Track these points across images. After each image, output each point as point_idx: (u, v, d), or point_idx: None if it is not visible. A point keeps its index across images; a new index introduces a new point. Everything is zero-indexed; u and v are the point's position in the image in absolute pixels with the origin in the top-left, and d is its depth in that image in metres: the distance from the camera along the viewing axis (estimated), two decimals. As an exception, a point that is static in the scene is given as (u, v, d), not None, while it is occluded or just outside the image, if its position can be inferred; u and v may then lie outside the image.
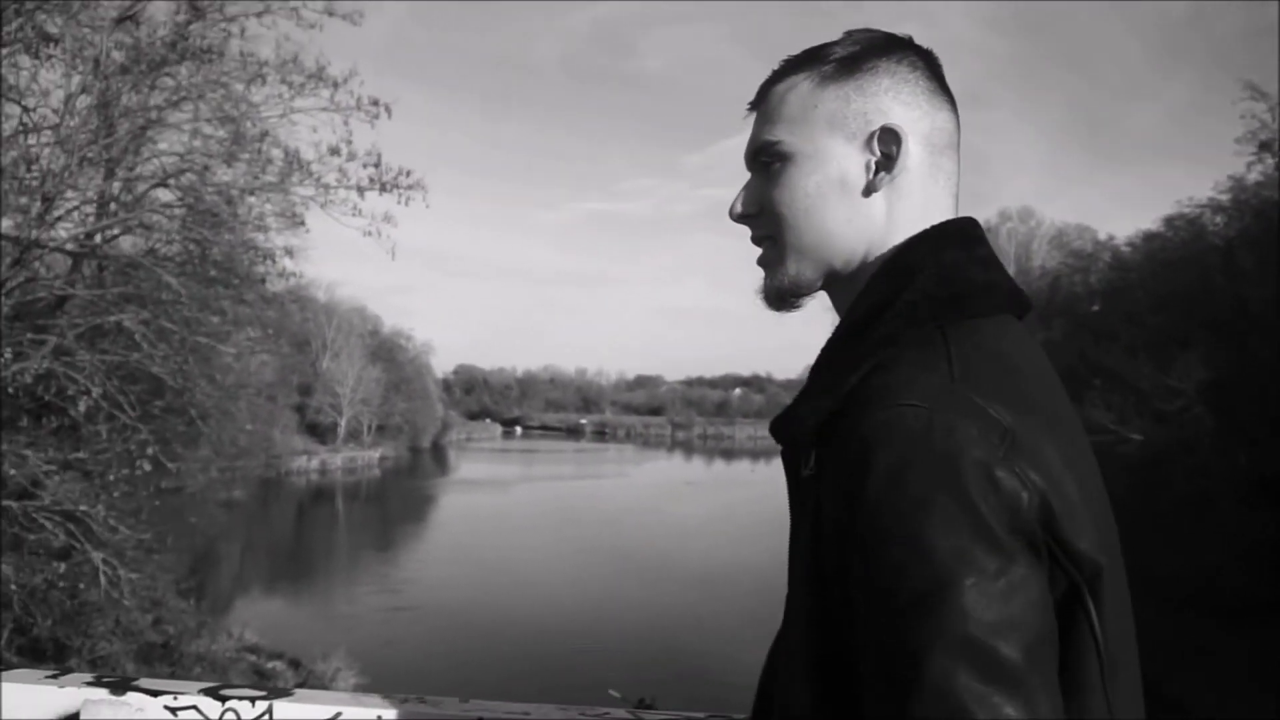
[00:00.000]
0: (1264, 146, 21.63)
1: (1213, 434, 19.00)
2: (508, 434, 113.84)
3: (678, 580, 27.69)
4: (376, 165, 8.84)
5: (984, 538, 0.78)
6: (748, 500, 49.91)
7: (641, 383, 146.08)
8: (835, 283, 1.04)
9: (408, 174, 9.00)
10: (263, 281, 10.18)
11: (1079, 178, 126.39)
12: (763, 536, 36.71)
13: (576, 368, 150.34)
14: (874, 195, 1.00)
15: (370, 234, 8.89)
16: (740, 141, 1.09)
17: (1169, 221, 27.73)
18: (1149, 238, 28.57)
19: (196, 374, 9.51)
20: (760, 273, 1.07)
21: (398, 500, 49.22)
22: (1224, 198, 24.06)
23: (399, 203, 8.86)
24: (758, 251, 1.07)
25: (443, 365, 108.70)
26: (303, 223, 9.32)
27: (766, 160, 1.03)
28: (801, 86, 1.02)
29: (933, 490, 0.79)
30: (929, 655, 0.75)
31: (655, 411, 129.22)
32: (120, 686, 1.57)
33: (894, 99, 1.00)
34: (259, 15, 9.50)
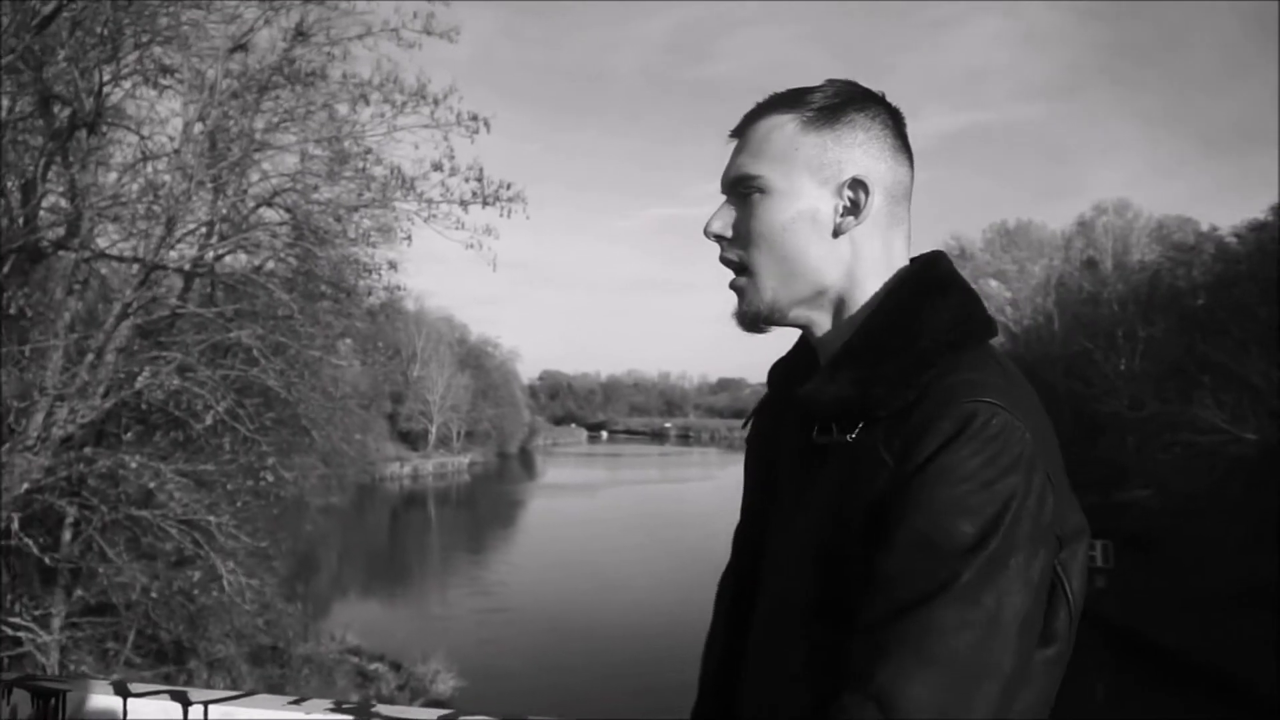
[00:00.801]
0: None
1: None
2: (593, 438, 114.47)
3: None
4: (479, 179, 9.03)
5: (1037, 527, 0.92)
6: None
7: (724, 386, 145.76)
8: (808, 309, 1.15)
9: (508, 186, 9.17)
10: (368, 295, 10.47)
11: (1178, 168, 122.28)
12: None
13: (659, 371, 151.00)
14: (841, 236, 1.11)
15: (473, 246, 9.09)
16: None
17: (1278, 210, 26.68)
18: (1256, 227, 27.48)
19: (308, 386, 9.83)
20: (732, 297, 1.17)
21: (487, 505, 49.92)
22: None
23: (501, 215, 9.04)
24: None
25: (528, 372, 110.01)
26: (408, 238, 9.55)
27: (745, 191, 1.12)
28: (787, 128, 1.12)
29: (1012, 473, 0.93)
30: (964, 628, 0.88)
31: (738, 414, 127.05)
32: (362, 712, 1.65)
33: (864, 152, 1.12)
34: (360, 37, 9.78)
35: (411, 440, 62.00)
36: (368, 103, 9.58)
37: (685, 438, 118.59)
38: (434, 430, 62.50)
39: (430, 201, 9.20)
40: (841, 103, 1.13)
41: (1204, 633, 17.65)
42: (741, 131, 1.16)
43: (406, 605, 26.25)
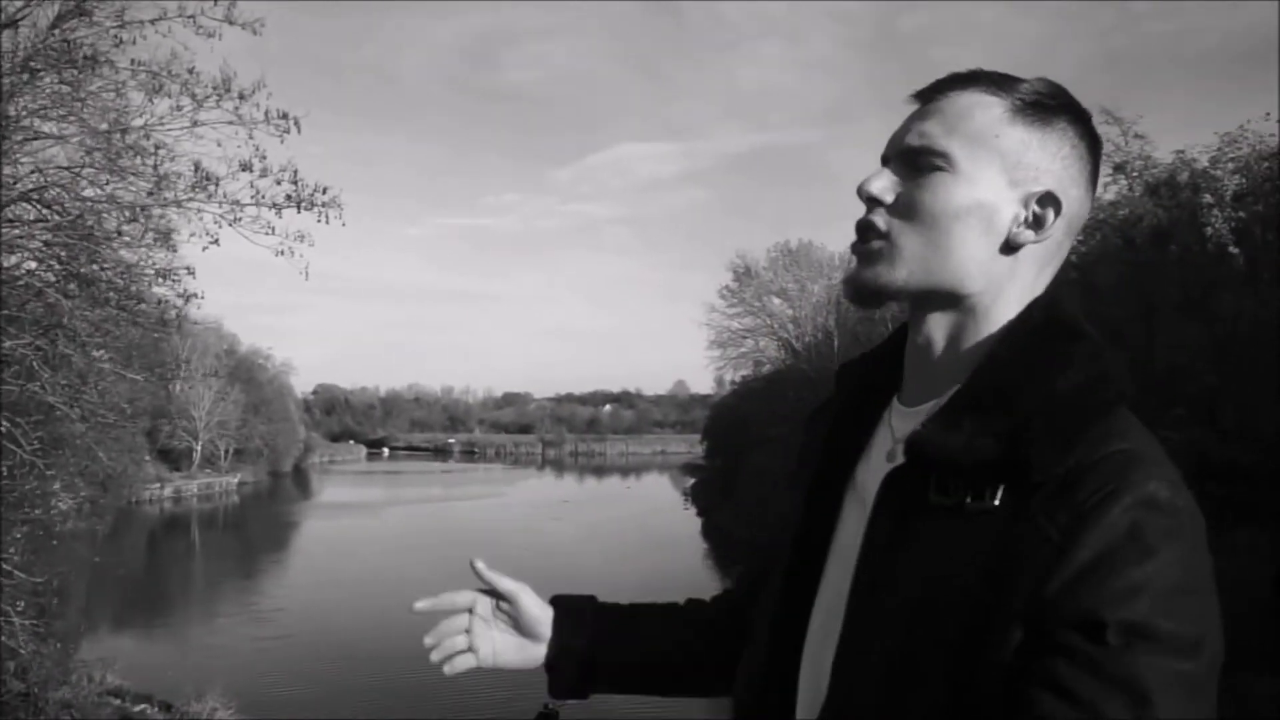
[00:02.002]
0: (1118, 168, 22.96)
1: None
2: (374, 455, 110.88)
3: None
4: (294, 182, 8.41)
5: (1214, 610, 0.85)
6: (624, 516, 50.24)
7: (510, 400, 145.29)
8: (937, 307, 1.02)
9: (324, 190, 8.59)
10: (159, 303, 9.54)
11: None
12: (643, 551, 37.15)
13: (442, 386, 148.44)
14: (1009, 250, 1.00)
15: (283, 253, 8.45)
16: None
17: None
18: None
19: (96, 403, 8.82)
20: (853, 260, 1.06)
21: (259, 527, 47.38)
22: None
23: (318, 220, 8.45)
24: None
25: (302, 385, 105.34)
26: (215, 241, 8.75)
27: (923, 164, 1.00)
28: (993, 110, 0.99)
29: (1203, 558, 0.86)
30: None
31: (525, 429, 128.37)
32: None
33: (1064, 168, 1.00)
34: (154, 21, 8.91)
35: (174, 459, 58.02)
36: (165, 94, 8.73)
37: (470, 454, 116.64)
38: (199, 448, 58.71)
39: (237, 204, 8.49)
40: (1057, 105, 1.01)
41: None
42: (932, 96, 1.02)
43: (173, 638, 24.37)
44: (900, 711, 0.90)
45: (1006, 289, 1.00)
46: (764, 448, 38.09)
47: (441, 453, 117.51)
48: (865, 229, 1.02)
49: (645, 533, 42.88)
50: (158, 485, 52.50)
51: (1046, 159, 0.99)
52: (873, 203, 1.02)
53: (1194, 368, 16.58)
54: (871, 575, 0.97)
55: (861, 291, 1.02)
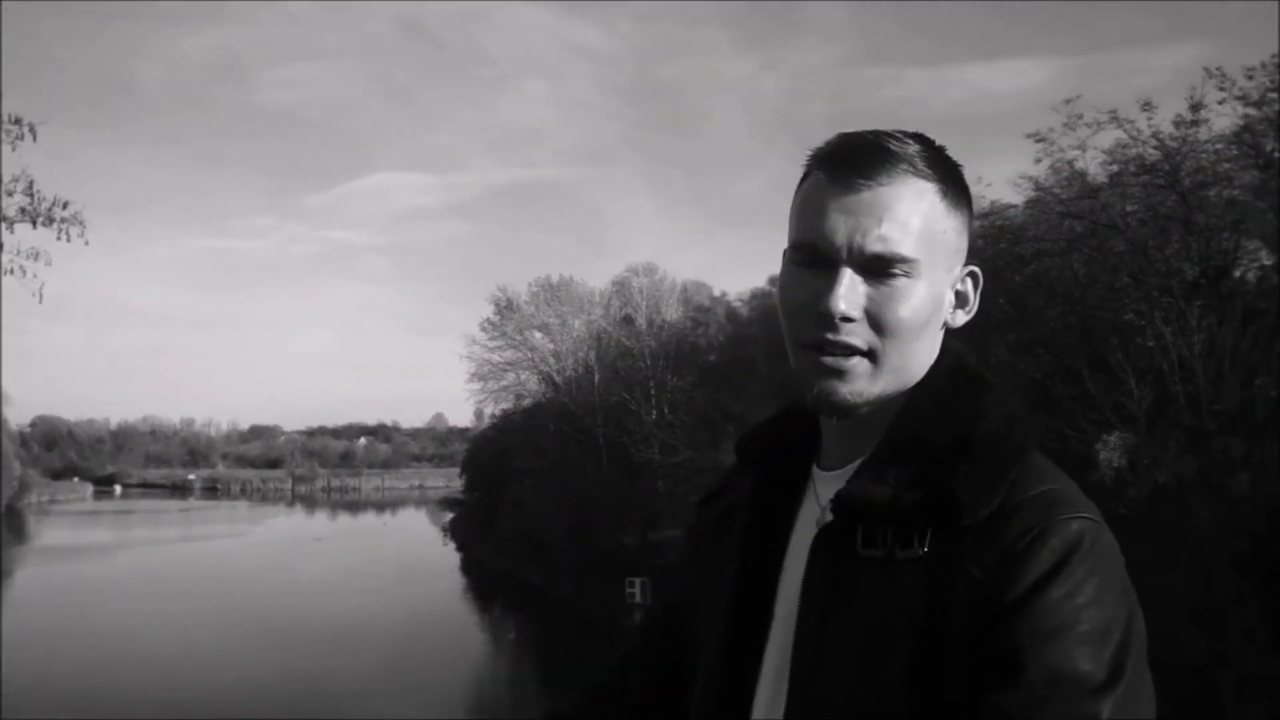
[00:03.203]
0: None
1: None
2: (103, 494, 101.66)
3: (310, 641, 26.48)
4: (29, 194, 7.70)
5: (1143, 645, 0.90)
6: (380, 553, 48.63)
7: (257, 433, 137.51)
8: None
9: (65, 205, 7.92)
10: None
11: (695, 238, 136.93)
12: (401, 588, 36.10)
13: (182, 417, 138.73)
14: (945, 327, 1.05)
15: (13, 272, 7.72)
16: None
17: (773, 280, 30.90)
18: (760, 295, 31.69)
19: None
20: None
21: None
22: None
23: (58, 238, 7.78)
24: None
25: (18, 417, 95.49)
26: (-71, 261, 7.85)
27: (890, 271, 0.97)
28: (933, 199, 0.99)
29: (1125, 595, 0.90)
30: None
31: (274, 464, 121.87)
32: None
33: (969, 238, 1.04)
34: None
35: None
36: None
37: (213, 490, 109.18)
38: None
39: (-45, 219, 7.67)
40: (960, 176, 1.03)
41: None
42: (869, 180, 0.97)
43: None
44: None
45: (930, 360, 1.04)
46: (524, 480, 38.10)
47: (181, 490, 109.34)
48: (839, 349, 0.98)
49: (403, 569, 41.67)
50: None
51: (966, 238, 1.03)
52: (844, 320, 0.97)
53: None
54: (812, 630, 0.98)
55: (841, 407, 1.00)
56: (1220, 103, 15.99)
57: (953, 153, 1.03)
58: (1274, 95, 15.61)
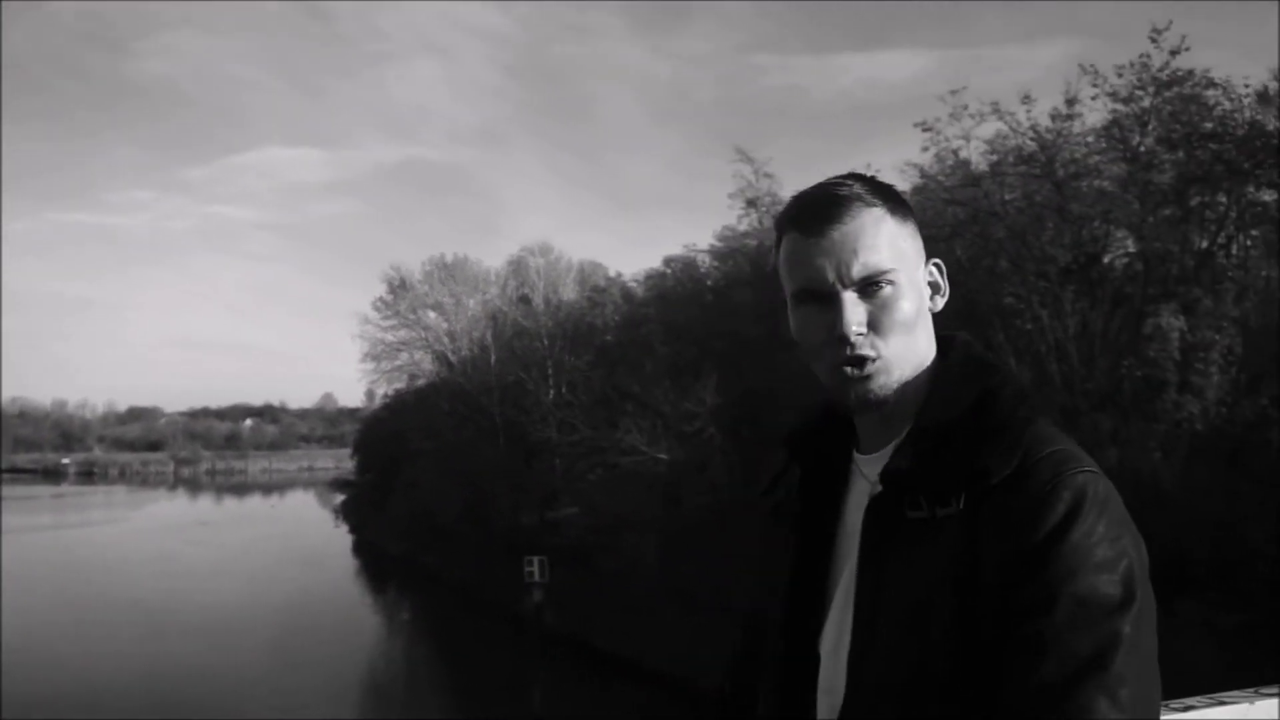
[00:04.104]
0: (751, 203, 25.22)
1: (721, 452, 21.75)
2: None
3: (194, 630, 25.57)
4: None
5: (1146, 569, 1.09)
6: (269, 537, 47.33)
7: (136, 415, 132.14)
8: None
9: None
10: None
11: (590, 219, 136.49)
12: (290, 572, 35.34)
13: (54, 399, 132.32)
14: (931, 313, 1.27)
15: None
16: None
17: (668, 261, 31.27)
18: (655, 276, 31.92)
19: None
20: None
21: None
22: (720, 244, 27.80)
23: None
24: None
25: None
26: None
27: (877, 286, 1.18)
28: (888, 220, 1.21)
29: (1127, 528, 1.09)
30: (1111, 660, 1.01)
31: (154, 447, 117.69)
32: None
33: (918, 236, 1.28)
34: None
35: None
36: None
37: (89, 475, 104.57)
38: None
39: None
40: (901, 196, 1.26)
41: (629, 633, 19.97)
42: (834, 223, 1.19)
43: None
44: (910, 684, 1.10)
45: (929, 343, 1.26)
46: (419, 460, 37.69)
47: (54, 474, 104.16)
48: (859, 361, 1.19)
49: (292, 553, 40.54)
50: None
51: (919, 239, 1.26)
52: (857, 335, 1.18)
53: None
54: (871, 581, 1.17)
55: (875, 403, 1.20)
56: (1093, 98, 16.83)
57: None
58: (1141, 93, 16.50)
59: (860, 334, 1.18)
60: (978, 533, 1.09)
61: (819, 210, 1.20)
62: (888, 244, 1.20)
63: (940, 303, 1.28)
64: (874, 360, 1.19)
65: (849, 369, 1.19)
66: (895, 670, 1.12)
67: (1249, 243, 17.15)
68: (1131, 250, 17.32)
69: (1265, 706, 1.94)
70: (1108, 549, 1.06)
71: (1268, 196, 16.49)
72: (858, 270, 1.18)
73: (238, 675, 21.01)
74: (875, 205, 1.20)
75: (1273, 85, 15.92)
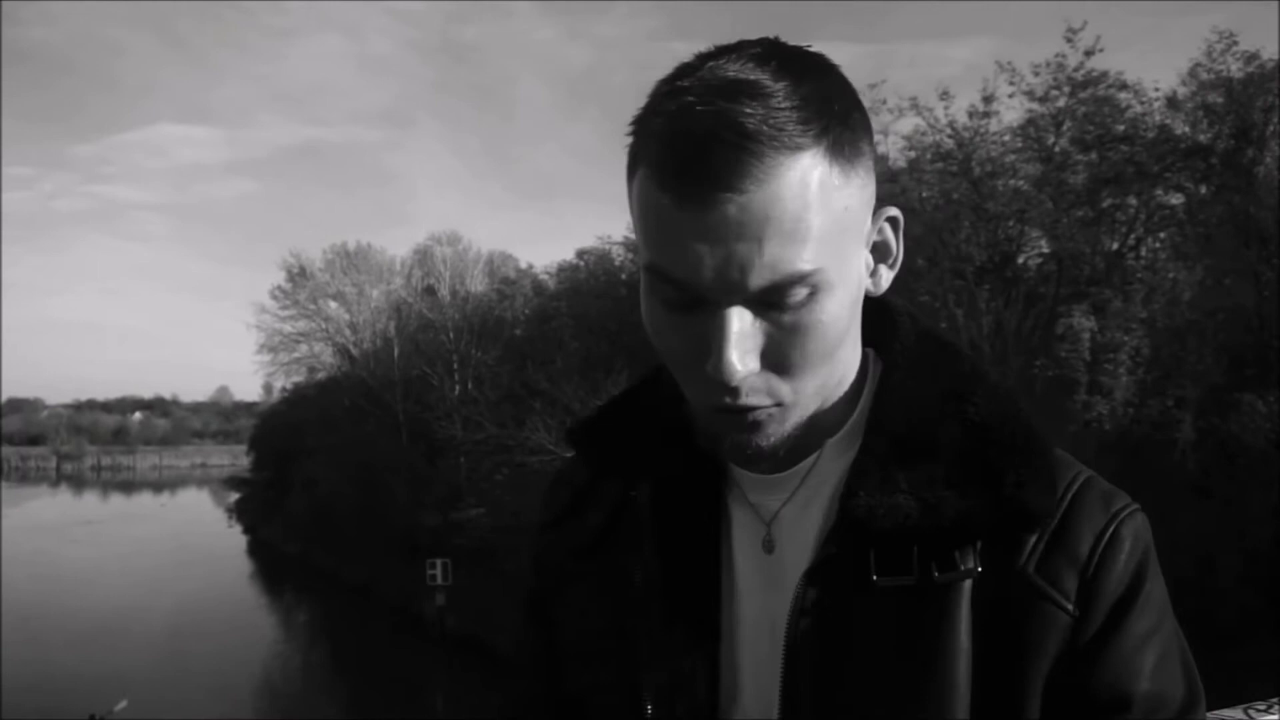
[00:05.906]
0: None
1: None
2: None
3: (78, 635, 24.79)
4: None
5: None
6: (158, 537, 46.20)
7: (15, 406, 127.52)
8: None
9: None
10: None
11: (498, 207, 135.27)
12: (180, 573, 34.10)
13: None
14: (859, 307, 0.78)
15: None
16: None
17: (581, 253, 30.88)
18: (568, 268, 31.44)
19: None
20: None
21: None
22: (634, 236, 27.47)
23: None
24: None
25: None
26: None
27: (791, 295, 0.69)
28: (827, 173, 0.68)
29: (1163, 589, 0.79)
30: None
31: (34, 441, 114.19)
32: None
33: (874, 176, 0.75)
34: None
35: None
36: None
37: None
38: None
39: None
40: (858, 107, 0.72)
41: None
42: (728, 192, 0.65)
43: None
44: None
45: (855, 340, 0.80)
46: (317, 457, 36.69)
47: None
48: (743, 410, 0.72)
49: (183, 553, 39.74)
50: None
51: (873, 178, 0.74)
52: (741, 379, 0.71)
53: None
54: (811, 699, 0.75)
55: (759, 459, 0.76)
56: (1010, 96, 16.99)
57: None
58: (1056, 92, 16.66)
59: (750, 373, 0.70)
60: (1007, 609, 0.73)
61: (705, 160, 0.65)
62: (817, 221, 0.67)
63: (886, 278, 0.79)
64: (768, 408, 0.73)
65: (727, 415, 0.73)
66: None
67: (1157, 245, 17.53)
68: (1045, 250, 17.50)
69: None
70: (1170, 627, 0.76)
71: (1175, 200, 16.86)
72: (759, 276, 0.67)
73: (120, 681, 20.10)
74: (804, 143, 0.66)
75: (1181, 90, 16.24)
